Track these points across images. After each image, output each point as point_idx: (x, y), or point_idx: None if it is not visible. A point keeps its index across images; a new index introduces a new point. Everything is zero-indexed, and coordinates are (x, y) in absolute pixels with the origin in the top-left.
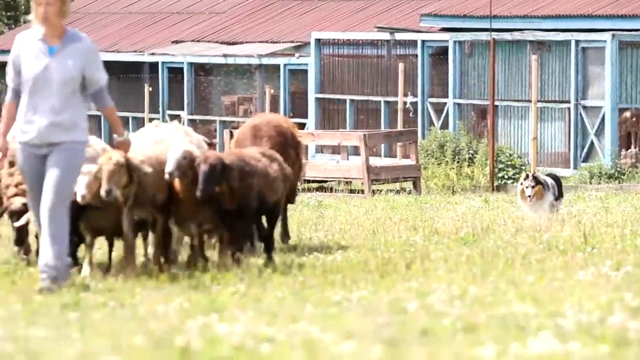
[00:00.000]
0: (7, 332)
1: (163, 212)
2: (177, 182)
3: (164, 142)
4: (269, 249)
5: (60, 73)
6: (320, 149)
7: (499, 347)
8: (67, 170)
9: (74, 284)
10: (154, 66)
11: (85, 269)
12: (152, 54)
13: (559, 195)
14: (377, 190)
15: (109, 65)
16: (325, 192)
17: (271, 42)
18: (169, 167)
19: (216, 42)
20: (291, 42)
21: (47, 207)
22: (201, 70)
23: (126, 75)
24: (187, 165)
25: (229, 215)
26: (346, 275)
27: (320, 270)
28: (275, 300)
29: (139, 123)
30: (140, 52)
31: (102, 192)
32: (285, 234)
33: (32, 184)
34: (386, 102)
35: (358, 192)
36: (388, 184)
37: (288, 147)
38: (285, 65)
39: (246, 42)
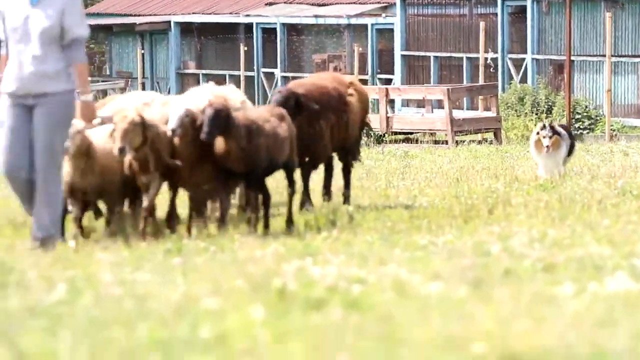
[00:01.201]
0: (116, 276)
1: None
2: (177, 140)
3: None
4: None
5: (40, 23)
6: (406, 103)
7: (577, 286)
8: (55, 126)
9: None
10: (249, 27)
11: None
12: (247, 15)
13: (571, 150)
14: (460, 140)
15: (207, 27)
16: (411, 143)
17: (359, 3)
18: (171, 124)
19: (307, 3)
20: (378, 2)
21: (40, 168)
22: (293, 30)
23: (223, 36)
24: (189, 123)
25: (236, 177)
26: (432, 220)
27: (408, 216)
28: (365, 244)
29: (235, 81)
30: (236, 14)
31: (115, 150)
32: (347, 195)
33: (13, 132)
34: (468, 59)
35: (442, 143)
36: (470, 135)
37: (328, 110)
38: (372, 24)
39: (335, 4)
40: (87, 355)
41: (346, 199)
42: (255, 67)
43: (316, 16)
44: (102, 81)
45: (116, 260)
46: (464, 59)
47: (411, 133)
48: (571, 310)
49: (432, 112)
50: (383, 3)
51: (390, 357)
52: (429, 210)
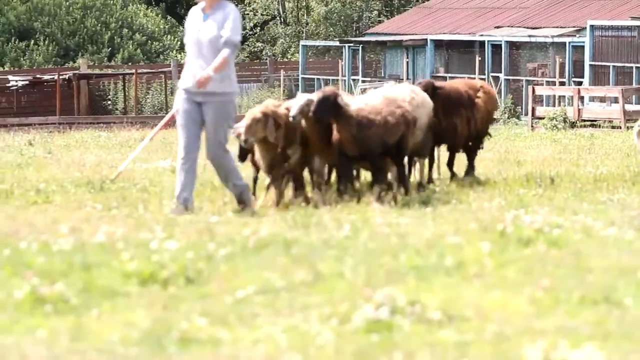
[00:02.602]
0: (384, 219)
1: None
2: (303, 124)
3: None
4: (403, 182)
5: (207, 34)
6: (592, 99)
7: None
8: (219, 123)
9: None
10: (482, 43)
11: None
12: (481, 35)
13: None
14: (630, 126)
15: (452, 43)
16: (595, 128)
17: (560, 27)
18: (293, 112)
19: (524, 27)
20: (574, 27)
21: (210, 157)
22: (513, 46)
23: (464, 50)
24: (308, 110)
25: (356, 158)
26: (609, 183)
27: (592, 179)
28: (562, 199)
29: None
30: (472, 34)
31: (241, 142)
32: (471, 170)
33: (184, 121)
34: (636, 68)
35: (617, 128)
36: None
37: (461, 107)
38: (569, 42)
39: (544, 27)
40: (364, 275)
41: (470, 173)
42: (486, 72)
43: (530, 36)
44: (378, 81)
45: (385, 209)
46: (633, 68)
47: (596, 120)
48: None
49: (611, 105)
50: (577, 27)
51: (579, 281)
52: (607, 175)
